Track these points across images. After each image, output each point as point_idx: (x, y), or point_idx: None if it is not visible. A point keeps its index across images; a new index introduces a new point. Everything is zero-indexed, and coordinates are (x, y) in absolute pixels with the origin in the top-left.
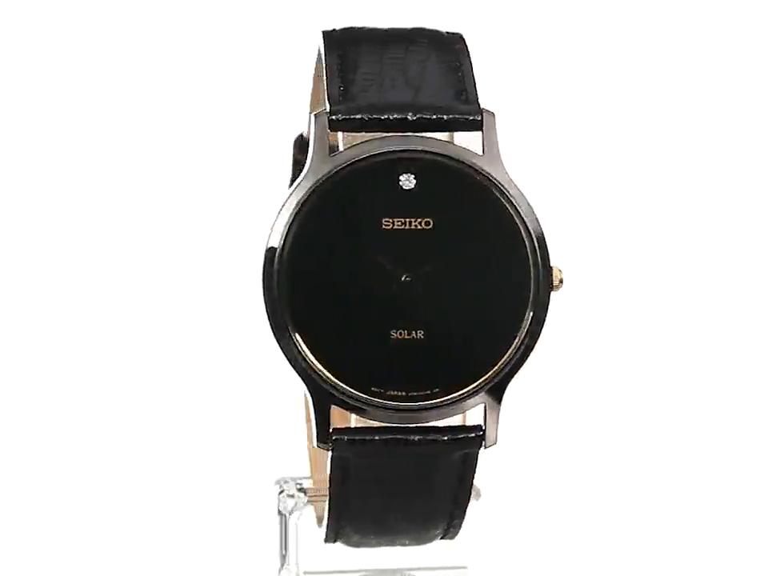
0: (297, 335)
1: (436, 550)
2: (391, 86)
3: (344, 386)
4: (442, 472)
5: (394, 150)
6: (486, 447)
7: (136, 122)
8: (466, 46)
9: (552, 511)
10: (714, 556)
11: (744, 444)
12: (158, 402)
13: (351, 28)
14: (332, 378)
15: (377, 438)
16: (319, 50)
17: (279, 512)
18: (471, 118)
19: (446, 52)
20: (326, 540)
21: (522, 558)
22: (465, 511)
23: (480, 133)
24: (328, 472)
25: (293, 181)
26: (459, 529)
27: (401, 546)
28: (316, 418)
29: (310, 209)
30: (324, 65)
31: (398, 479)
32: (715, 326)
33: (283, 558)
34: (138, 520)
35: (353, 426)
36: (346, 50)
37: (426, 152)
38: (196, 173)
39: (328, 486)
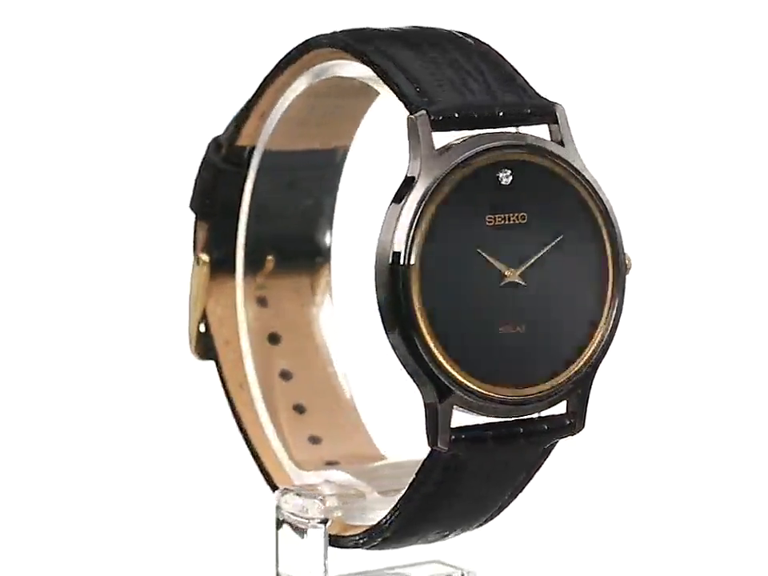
0: (426, 334)
1: (434, 551)
2: (462, 84)
3: (468, 383)
4: (531, 462)
5: (495, 147)
6: (574, 434)
7: None
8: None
9: (551, 511)
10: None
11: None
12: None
13: (365, 29)
14: (458, 376)
15: (488, 433)
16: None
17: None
18: (548, 110)
19: (483, 52)
20: (370, 546)
21: (521, 557)
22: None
23: (557, 125)
24: (419, 474)
25: (204, 184)
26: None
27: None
28: (437, 419)
29: (430, 209)
30: (374, 66)
31: (494, 474)
32: None
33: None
34: (143, 528)
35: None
36: (389, 51)
37: (520, 146)
38: None
39: (414, 487)
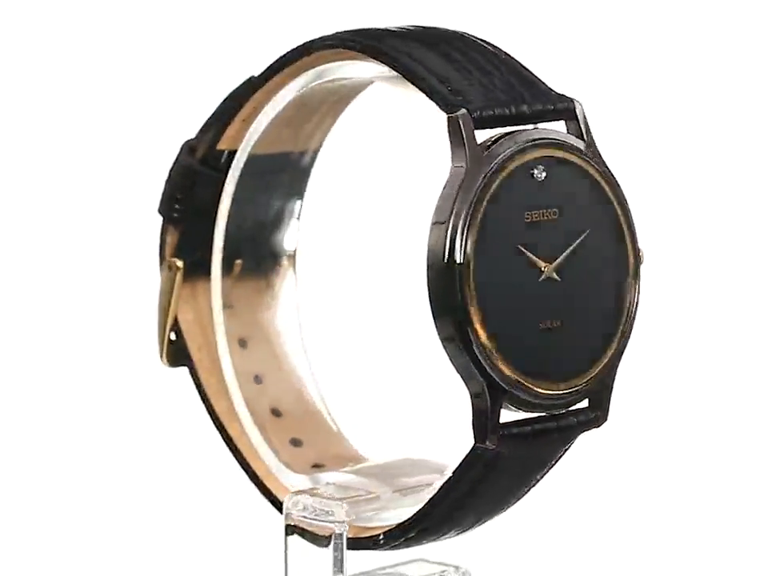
0: (481, 333)
1: (433, 550)
2: (489, 82)
3: (518, 380)
4: (557, 456)
5: (532, 144)
6: (598, 427)
7: None
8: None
9: (548, 511)
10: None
11: None
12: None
13: (369, 29)
14: (510, 374)
15: (527, 429)
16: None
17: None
18: (569, 106)
19: (494, 51)
20: (390, 546)
21: (518, 557)
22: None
23: (576, 121)
24: (457, 472)
25: (177, 187)
26: None
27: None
28: (488, 417)
29: (480, 208)
30: (399, 66)
31: (525, 469)
32: None
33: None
34: (133, 548)
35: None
36: (412, 52)
37: (553, 143)
38: None
39: (450, 485)
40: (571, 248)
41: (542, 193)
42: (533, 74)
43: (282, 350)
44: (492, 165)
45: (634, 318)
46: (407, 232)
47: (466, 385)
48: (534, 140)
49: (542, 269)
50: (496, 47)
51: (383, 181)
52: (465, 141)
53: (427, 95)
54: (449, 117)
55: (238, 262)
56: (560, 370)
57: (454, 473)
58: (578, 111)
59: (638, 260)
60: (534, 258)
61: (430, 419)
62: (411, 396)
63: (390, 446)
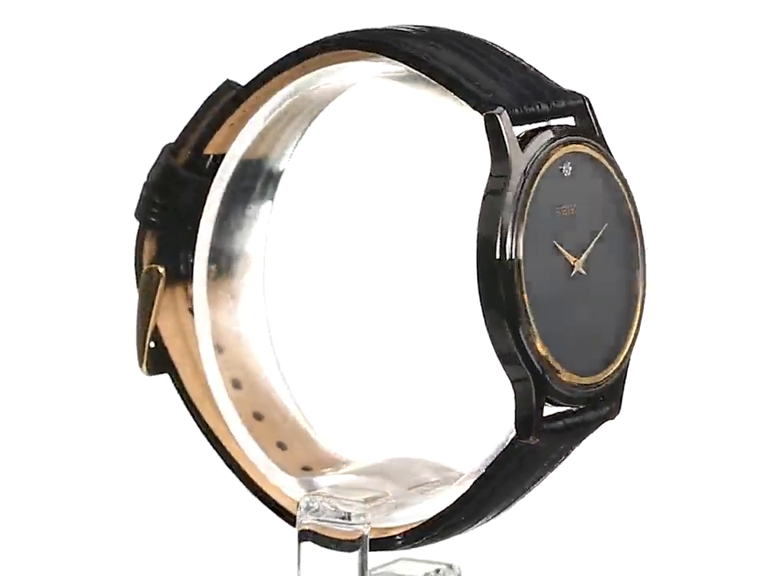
0: (532, 328)
1: (431, 550)
2: (511, 79)
3: (561, 374)
4: (575, 448)
5: (562, 140)
6: (613, 419)
7: None
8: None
9: (547, 510)
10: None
11: None
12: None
13: (374, 29)
14: (556, 368)
15: (560, 423)
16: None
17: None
18: (581, 102)
19: (501, 50)
20: (409, 546)
21: (516, 557)
22: None
23: (588, 117)
24: (491, 467)
25: (157, 192)
26: None
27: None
28: (533, 412)
29: (526, 204)
30: (423, 66)
31: (550, 462)
32: None
33: None
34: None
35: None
36: (429, 51)
37: (576, 139)
38: None
39: (483, 481)
40: (594, 242)
41: (569, 188)
42: (538, 71)
43: (253, 355)
44: (531, 162)
45: (644, 310)
46: (379, 237)
47: (512, 381)
48: (563, 137)
49: (573, 263)
50: (496, 44)
51: (358, 184)
52: (506, 139)
53: (459, 94)
54: (487, 115)
55: (213, 267)
56: (590, 363)
57: (488, 468)
58: (588, 107)
59: (644, 253)
60: (566, 252)
61: (406, 419)
62: (385, 398)
63: (371, 449)
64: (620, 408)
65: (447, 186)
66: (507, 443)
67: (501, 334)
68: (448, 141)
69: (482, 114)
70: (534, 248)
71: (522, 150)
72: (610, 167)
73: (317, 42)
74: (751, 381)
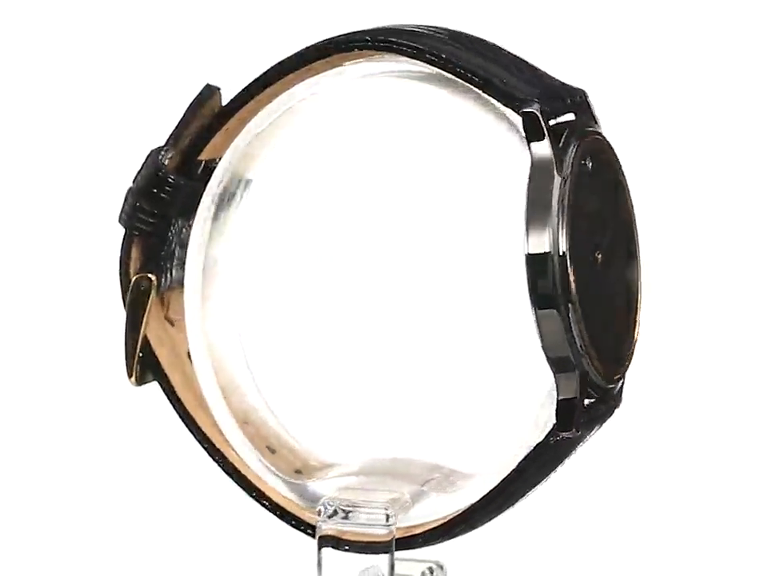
0: (580, 322)
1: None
2: (529, 78)
3: (600, 367)
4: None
5: (585, 136)
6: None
7: None
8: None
9: (544, 509)
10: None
11: None
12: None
13: (379, 28)
14: (597, 360)
15: (588, 414)
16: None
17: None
18: (584, 98)
19: (506, 50)
20: (428, 544)
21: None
22: None
23: (589, 112)
24: (525, 462)
25: (145, 198)
26: None
27: None
28: (576, 404)
29: (569, 199)
30: (450, 66)
31: (572, 452)
32: None
33: None
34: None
35: None
36: (451, 49)
37: (592, 132)
38: None
39: (515, 475)
40: (610, 235)
41: (589, 182)
42: (539, 69)
43: (227, 363)
44: (570, 156)
45: (640, 307)
46: (347, 243)
47: (556, 374)
48: (583, 131)
49: (598, 258)
50: (496, 44)
51: (330, 190)
52: (547, 135)
53: (490, 92)
54: (524, 113)
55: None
56: (616, 356)
57: (521, 463)
58: (590, 102)
59: (638, 251)
60: (593, 247)
61: (383, 421)
62: (359, 402)
63: (355, 452)
64: (620, 401)
65: (447, 185)
66: (543, 436)
67: (553, 331)
68: (448, 140)
69: (517, 112)
70: (576, 242)
71: (559, 144)
72: (614, 161)
73: (324, 41)
74: (751, 381)
